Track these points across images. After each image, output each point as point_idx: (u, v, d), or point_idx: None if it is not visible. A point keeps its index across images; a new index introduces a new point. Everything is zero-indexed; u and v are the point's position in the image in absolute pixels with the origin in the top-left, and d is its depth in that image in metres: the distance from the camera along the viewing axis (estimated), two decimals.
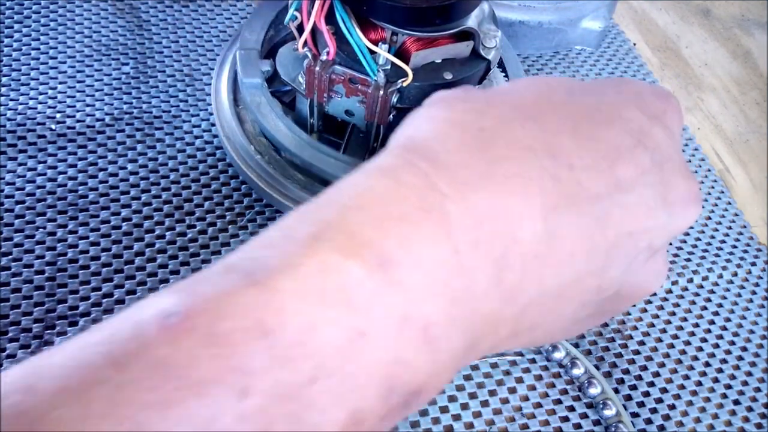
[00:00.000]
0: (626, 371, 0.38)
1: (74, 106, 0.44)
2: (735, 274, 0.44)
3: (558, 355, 0.37)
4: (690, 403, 0.37)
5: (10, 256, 0.37)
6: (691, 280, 0.43)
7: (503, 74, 0.45)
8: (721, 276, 0.43)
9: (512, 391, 0.36)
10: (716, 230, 0.46)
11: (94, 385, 0.15)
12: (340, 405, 0.17)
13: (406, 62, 0.33)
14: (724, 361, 0.39)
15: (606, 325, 0.40)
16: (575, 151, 0.21)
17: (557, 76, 0.25)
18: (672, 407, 0.37)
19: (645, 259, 0.23)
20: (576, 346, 0.38)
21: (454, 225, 0.19)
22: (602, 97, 0.23)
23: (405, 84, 0.33)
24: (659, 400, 0.37)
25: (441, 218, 0.19)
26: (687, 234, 0.45)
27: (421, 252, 0.18)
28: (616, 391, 0.37)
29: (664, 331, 0.40)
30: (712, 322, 0.41)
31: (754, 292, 0.43)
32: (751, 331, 0.41)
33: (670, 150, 0.23)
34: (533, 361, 0.38)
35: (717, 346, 0.40)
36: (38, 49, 0.47)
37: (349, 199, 0.19)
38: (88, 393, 0.15)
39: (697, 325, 0.41)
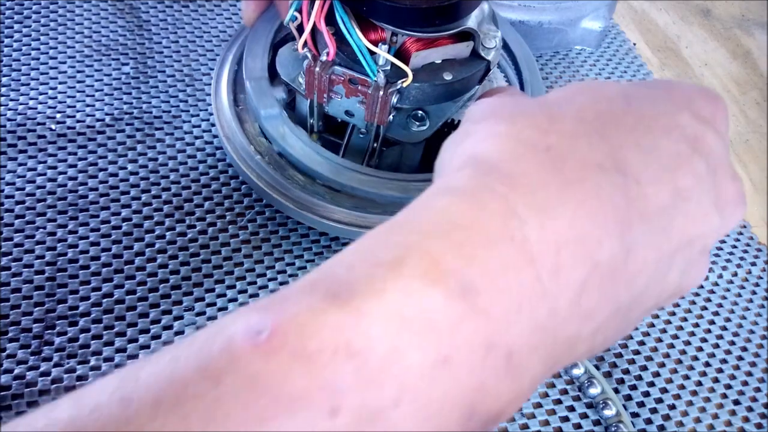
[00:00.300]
0: (626, 371, 0.38)
1: (74, 106, 0.44)
2: (735, 274, 0.44)
3: None
4: (690, 403, 0.37)
5: (10, 256, 0.37)
6: None
7: (503, 74, 0.45)
8: (721, 276, 0.43)
9: None
10: None
11: (189, 398, 0.15)
12: (423, 429, 0.17)
13: (406, 63, 0.33)
14: (724, 361, 0.39)
15: None
16: (640, 165, 0.21)
17: (607, 81, 0.25)
18: (672, 407, 0.37)
19: (697, 259, 0.24)
20: None
21: (535, 252, 0.19)
22: (656, 105, 0.23)
23: (405, 84, 0.33)
24: (659, 400, 0.37)
25: (522, 245, 0.19)
26: None
27: (504, 280, 0.18)
28: (616, 391, 0.37)
29: (664, 331, 0.40)
30: (712, 322, 0.41)
31: (754, 292, 0.43)
32: (751, 331, 0.41)
33: (722, 154, 0.24)
34: None
35: (717, 346, 0.40)
36: (38, 49, 0.47)
37: (429, 223, 0.19)
38: (184, 406, 0.15)
39: (697, 325, 0.41)
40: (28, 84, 0.45)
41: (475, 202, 0.20)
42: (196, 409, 0.15)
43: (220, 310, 0.37)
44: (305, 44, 0.34)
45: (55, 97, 0.44)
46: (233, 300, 0.37)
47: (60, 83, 0.45)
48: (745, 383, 0.39)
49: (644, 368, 0.38)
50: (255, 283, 0.38)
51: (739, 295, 0.43)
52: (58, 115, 0.43)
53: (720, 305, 0.42)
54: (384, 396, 0.16)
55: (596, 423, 0.36)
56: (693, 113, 0.24)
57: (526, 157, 0.21)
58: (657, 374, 0.38)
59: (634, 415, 0.36)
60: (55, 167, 0.41)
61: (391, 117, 0.35)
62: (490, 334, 0.18)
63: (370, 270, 0.18)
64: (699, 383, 0.38)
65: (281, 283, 0.38)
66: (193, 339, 0.17)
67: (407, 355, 0.17)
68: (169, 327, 0.36)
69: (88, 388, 0.16)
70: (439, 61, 0.35)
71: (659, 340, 0.40)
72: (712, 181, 0.23)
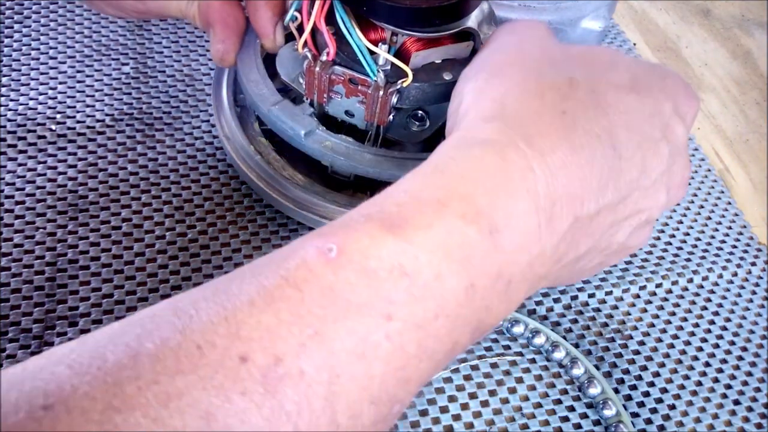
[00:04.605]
0: (626, 371, 0.38)
1: (74, 106, 0.44)
2: (735, 274, 0.44)
3: (558, 355, 0.37)
4: (690, 403, 0.37)
5: (9, 257, 0.37)
6: (691, 280, 0.43)
7: None
8: (721, 276, 0.43)
9: (512, 391, 0.36)
10: (716, 230, 0.46)
11: (278, 300, 0.19)
12: (449, 338, 0.22)
13: (406, 63, 0.33)
14: (724, 361, 0.39)
15: (606, 325, 0.40)
16: (625, 142, 0.26)
17: (621, 56, 0.29)
18: (672, 407, 0.37)
19: (641, 227, 0.28)
20: (576, 346, 0.38)
21: (540, 204, 0.23)
22: (651, 91, 0.28)
23: (405, 84, 0.33)
24: (659, 400, 0.37)
25: (533, 197, 0.23)
26: (687, 234, 0.45)
27: (518, 223, 0.23)
28: (616, 391, 0.37)
29: (664, 331, 0.40)
30: (712, 322, 0.41)
31: (754, 292, 0.43)
32: (751, 331, 0.41)
33: (683, 145, 0.28)
34: (533, 361, 0.38)
35: (717, 346, 0.40)
36: (38, 49, 0.47)
37: (465, 170, 0.23)
38: (275, 305, 0.19)
39: (697, 325, 0.41)
40: (28, 84, 0.45)
41: (502, 156, 0.23)
42: (285, 309, 0.19)
43: None
44: (305, 44, 0.34)
45: (55, 97, 0.44)
46: None
47: (60, 83, 0.45)
48: (745, 383, 0.39)
49: (644, 368, 0.38)
50: None
51: (739, 295, 0.43)
52: (58, 115, 0.43)
53: (720, 305, 0.42)
54: (427, 309, 0.20)
55: (596, 423, 0.36)
56: (674, 106, 0.28)
57: (545, 119, 0.25)
58: (657, 374, 0.38)
59: (634, 415, 0.36)
60: (55, 167, 0.41)
61: (391, 117, 0.35)
62: (501, 266, 0.22)
63: (418, 208, 0.22)
64: (699, 383, 0.38)
65: None
66: (269, 259, 0.20)
67: (447, 280, 0.21)
68: None
69: (183, 296, 0.20)
70: (439, 61, 0.35)
71: (659, 340, 0.40)
72: (670, 166, 0.27)
